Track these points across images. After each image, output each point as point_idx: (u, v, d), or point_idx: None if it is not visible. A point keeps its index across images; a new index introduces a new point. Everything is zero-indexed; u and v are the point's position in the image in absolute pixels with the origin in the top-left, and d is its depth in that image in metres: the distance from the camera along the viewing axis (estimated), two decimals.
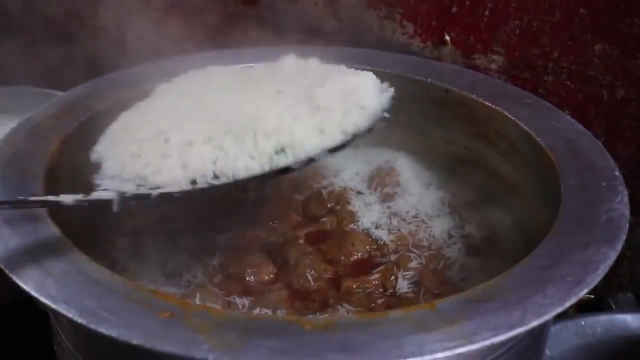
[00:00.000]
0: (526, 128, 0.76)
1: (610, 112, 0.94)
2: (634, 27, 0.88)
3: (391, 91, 0.72)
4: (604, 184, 0.66)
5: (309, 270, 0.73)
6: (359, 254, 0.76)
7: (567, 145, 0.73)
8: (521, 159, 0.78)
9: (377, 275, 0.73)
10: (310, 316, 0.66)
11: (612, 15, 0.89)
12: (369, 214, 0.82)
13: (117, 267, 0.72)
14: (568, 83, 0.96)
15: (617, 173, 0.67)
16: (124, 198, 0.58)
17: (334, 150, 0.65)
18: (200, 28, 1.04)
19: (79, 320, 0.48)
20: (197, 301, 0.66)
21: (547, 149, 0.72)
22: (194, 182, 0.60)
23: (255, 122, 0.62)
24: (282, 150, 0.62)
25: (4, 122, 0.85)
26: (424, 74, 0.90)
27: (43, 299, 0.50)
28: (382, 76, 0.90)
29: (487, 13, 0.98)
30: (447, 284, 0.72)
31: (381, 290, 0.72)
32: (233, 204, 0.81)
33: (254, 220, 0.80)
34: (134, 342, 0.46)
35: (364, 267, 0.75)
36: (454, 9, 1.01)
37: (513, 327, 0.48)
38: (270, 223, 0.81)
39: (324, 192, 0.85)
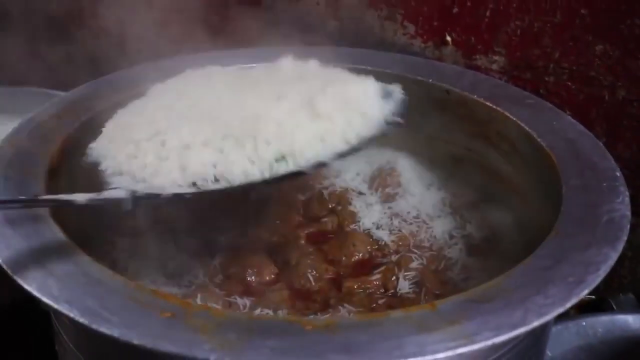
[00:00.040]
0: (527, 129, 0.76)
1: (611, 113, 0.94)
2: (635, 27, 0.88)
3: (401, 94, 0.72)
4: (605, 184, 0.66)
5: (310, 271, 0.73)
6: (360, 255, 0.76)
7: (568, 145, 0.73)
8: (522, 160, 0.78)
9: (378, 276, 0.73)
10: (312, 316, 0.66)
11: (613, 16, 0.89)
12: (370, 215, 0.82)
13: (117, 268, 0.72)
14: (569, 84, 0.96)
15: (618, 174, 0.67)
16: (135, 197, 0.59)
17: (340, 157, 0.65)
18: (201, 28, 1.04)
19: (81, 320, 0.48)
20: (198, 301, 0.66)
21: (548, 150, 0.72)
22: (194, 184, 0.60)
23: (255, 128, 0.62)
24: (283, 158, 0.62)
25: (4, 122, 0.85)
26: (425, 75, 0.90)
27: (45, 299, 0.50)
28: (382, 76, 0.91)
29: (488, 14, 0.98)
30: (448, 284, 0.72)
31: (382, 290, 0.72)
32: (234, 204, 0.81)
33: (255, 221, 0.80)
34: (136, 342, 0.46)
35: (365, 267, 0.75)
36: (455, 10, 1.01)
37: (514, 327, 0.48)
38: (272, 223, 0.81)
39: (325, 192, 0.85)
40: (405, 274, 0.72)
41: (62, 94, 0.87)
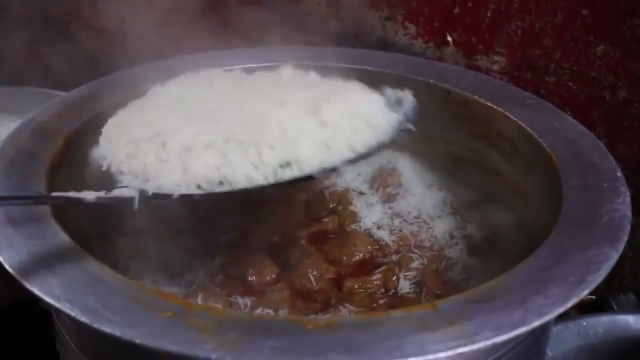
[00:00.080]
0: (528, 129, 0.76)
1: (612, 114, 0.94)
2: (636, 28, 0.88)
3: (413, 101, 0.72)
4: (605, 184, 0.66)
5: (310, 271, 0.73)
6: (361, 254, 0.76)
7: (569, 146, 0.73)
8: (523, 160, 0.78)
9: (378, 276, 0.73)
10: (312, 316, 0.66)
11: (614, 16, 0.89)
12: (370, 215, 0.82)
13: (118, 267, 0.72)
14: (570, 84, 0.96)
15: (619, 174, 0.67)
16: (145, 196, 0.59)
17: (347, 163, 0.64)
18: (201, 28, 1.04)
19: (83, 319, 0.48)
20: (199, 301, 0.66)
21: (549, 150, 0.72)
22: (198, 187, 0.60)
23: (259, 133, 0.62)
24: (287, 164, 0.61)
25: (5, 122, 0.85)
26: (426, 75, 0.90)
27: (47, 299, 0.50)
28: (383, 76, 0.91)
29: (489, 14, 0.98)
30: (449, 284, 0.72)
31: (383, 290, 0.72)
32: (234, 204, 0.81)
33: (256, 221, 0.80)
34: (137, 341, 0.46)
35: (366, 267, 0.75)
36: (456, 10, 1.01)
37: (515, 327, 0.48)
38: (272, 223, 0.81)
39: (326, 192, 0.85)
40: (406, 274, 0.72)
41: (63, 94, 0.87)
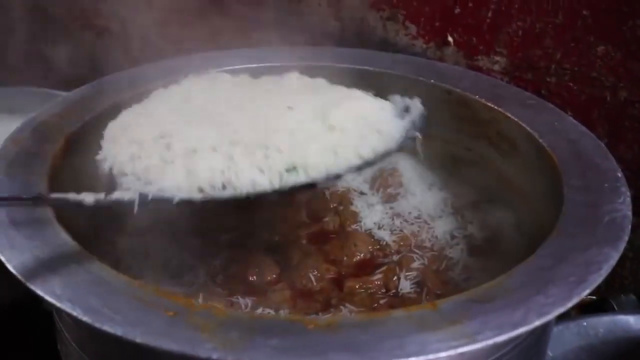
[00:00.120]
0: (529, 129, 0.77)
1: (613, 114, 0.94)
2: (637, 28, 0.88)
3: (421, 109, 0.71)
4: (606, 185, 0.66)
5: (311, 271, 0.73)
6: (362, 255, 0.76)
7: (570, 146, 0.73)
8: (524, 160, 0.79)
9: (379, 276, 0.73)
10: (313, 316, 0.66)
11: (615, 17, 0.89)
12: (371, 215, 0.82)
13: (120, 267, 0.72)
14: (571, 84, 0.96)
15: (619, 174, 0.67)
16: (145, 200, 0.58)
17: (353, 170, 0.64)
18: (203, 28, 1.05)
19: (84, 318, 0.48)
20: (200, 301, 0.66)
21: (550, 150, 0.72)
22: (200, 190, 0.60)
23: (266, 136, 0.61)
24: (294, 168, 0.61)
25: (6, 122, 0.85)
26: (427, 75, 0.90)
27: (49, 298, 0.50)
28: (384, 77, 0.91)
29: (489, 14, 0.98)
30: (450, 284, 0.72)
31: (384, 290, 0.72)
32: (235, 204, 0.81)
33: (256, 220, 0.80)
34: (138, 340, 0.46)
35: (367, 267, 0.75)
36: (457, 10, 1.01)
37: (515, 326, 0.48)
38: (273, 223, 0.81)
39: (327, 192, 0.85)
40: (407, 274, 0.72)
41: (64, 94, 0.87)
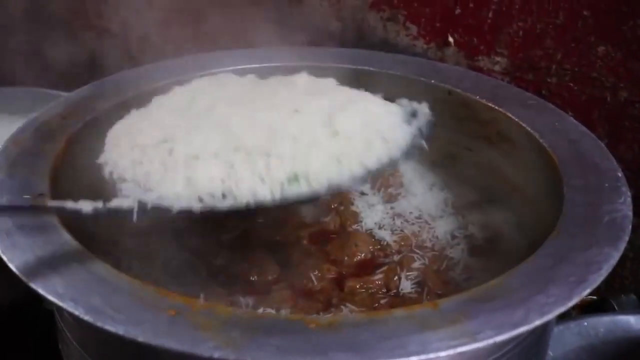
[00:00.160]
0: (529, 129, 0.77)
1: (613, 114, 0.95)
2: (638, 29, 0.89)
3: (428, 115, 0.71)
4: (607, 185, 0.66)
5: (312, 271, 0.73)
6: (362, 255, 0.76)
7: (570, 146, 0.73)
8: (524, 160, 0.79)
9: (380, 276, 0.73)
10: (314, 315, 0.66)
11: (615, 17, 0.90)
12: (372, 215, 0.82)
13: (121, 267, 0.72)
14: (571, 85, 0.96)
15: (620, 174, 0.67)
16: (144, 209, 0.58)
17: (355, 181, 0.63)
18: (204, 28, 1.05)
19: (86, 317, 0.48)
20: (201, 300, 0.66)
21: (550, 150, 0.72)
22: (200, 199, 0.59)
23: (269, 143, 0.60)
24: (295, 178, 0.60)
25: (8, 123, 0.85)
26: (427, 75, 0.90)
27: (51, 298, 0.50)
28: (385, 77, 0.91)
29: (490, 15, 0.98)
30: (450, 284, 0.72)
31: (384, 290, 0.72)
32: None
33: (257, 220, 0.80)
34: (140, 339, 0.46)
35: (367, 267, 0.75)
36: (458, 11, 1.01)
37: (516, 326, 0.48)
38: (274, 223, 0.81)
39: None
40: (408, 273, 0.72)
41: (65, 94, 0.87)
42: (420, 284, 0.72)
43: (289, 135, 0.61)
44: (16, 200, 0.63)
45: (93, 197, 0.59)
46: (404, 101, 0.72)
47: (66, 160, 0.72)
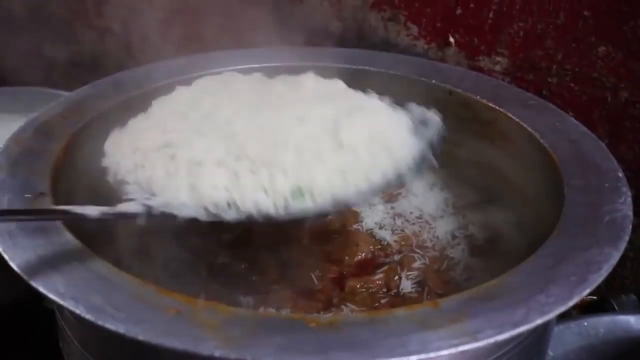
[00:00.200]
0: (530, 129, 0.77)
1: (613, 115, 0.95)
2: (638, 29, 0.89)
3: (438, 123, 0.70)
4: (607, 185, 0.66)
5: (313, 270, 0.73)
6: (363, 254, 0.76)
7: (571, 146, 0.73)
8: (525, 160, 0.79)
9: (380, 275, 0.73)
10: (315, 314, 0.67)
11: (616, 17, 0.90)
12: (372, 215, 0.82)
13: (121, 266, 0.72)
14: (572, 85, 0.96)
15: (620, 174, 0.67)
16: (150, 214, 0.58)
17: (361, 197, 0.61)
18: (205, 28, 1.05)
19: (87, 316, 0.48)
20: (202, 300, 0.66)
21: (551, 151, 0.72)
22: (205, 208, 0.59)
23: (273, 153, 0.60)
24: (300, 192, 0.59)
25: (9, 122, 0.85)
26: (428, 75, 0.90)
27: (52, 296, 0.50)
28: (386, 77, 0.91)
29: (491, 15, 0.98)
30: (451, 284, 0.72)
31: (385, 290, 0.72)
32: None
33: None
34: (141, 338, 0.46)
35: (368, 267, 0.75)
36: (459, 11, 1.01)
37: (517, 325, 0.48)
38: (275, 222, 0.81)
39: None
40: (408, 273, 0.73)
41: (66, 93, 0.87)
42: (420, 284, 0.72)
43: (294, 146, 0.61)
44: (22, 204, 0.63)
45: (94, 197, 0.60)
46: (415, 107, 0.71)
47: (67, 160, 0.72)
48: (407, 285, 0.72)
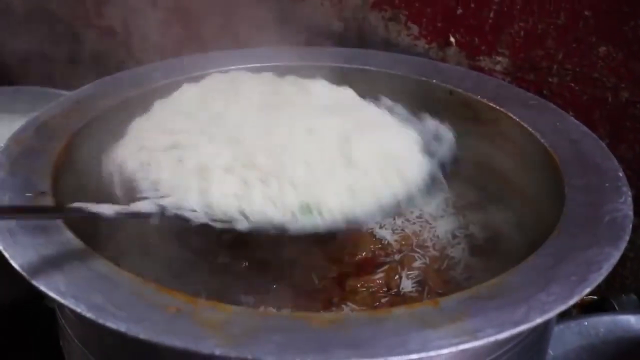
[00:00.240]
0: (530, 129, 0.77)
1: (614, 115, 0.95)
2: (639, 29, 0.89)
3: (451, 140, 0.69)
4: (607, 185, 0.66)
5: (313, 270, 0.73)
6: (363, 254, 0.76)
7: (572, 146, 0.73)
8: (525, 160, 0.79)
9: (381, 275, 0.73)
10: (316, 313, 0.66)
11: (616, 17, 0.90)
12: None
13: (122, 265, 0.72)
14: (572, 85, 0.96)
15: (620, 174, 0.67)
16: (164, 214, 0.58)
17: (370, 217, 0.61)
18: (205, 28, 1.05)
19: (88, 315, 0.48)
20: (202, 298, 0.66)
21: (552, 150, 0.72)
22: (214, 215, 0.59)
23: (282, 165, 0.59)
24: (308, 208, 0.59)
25: (10, 122, 0.85)
26: (429, 75, 0.90)
27: (53, 295, 0.50)
28: (386, 77, 0.91)
29: (492, 15, 0.98)
30: (451, 283, 0.72)
31: (385, 289, 0.72)
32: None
33: None
34: (142, 336, 0.46)
35: (368, 266, 0.75)
36: (459, 11, 1.01)
37: (517, 324, 0.48)
38: None
39: None
40: (408, 273, 0.73)
41: (66, 93, 0.87)
42: (421, 283, 0.72)
43: (302, 161, 0.60)
44: (23, 203, 0.63)
45: (94, 196, 0.59)
46: (429, 121, 0.71)
47: (67, 160, 0.72)
48: (407, 285, 0.72)
